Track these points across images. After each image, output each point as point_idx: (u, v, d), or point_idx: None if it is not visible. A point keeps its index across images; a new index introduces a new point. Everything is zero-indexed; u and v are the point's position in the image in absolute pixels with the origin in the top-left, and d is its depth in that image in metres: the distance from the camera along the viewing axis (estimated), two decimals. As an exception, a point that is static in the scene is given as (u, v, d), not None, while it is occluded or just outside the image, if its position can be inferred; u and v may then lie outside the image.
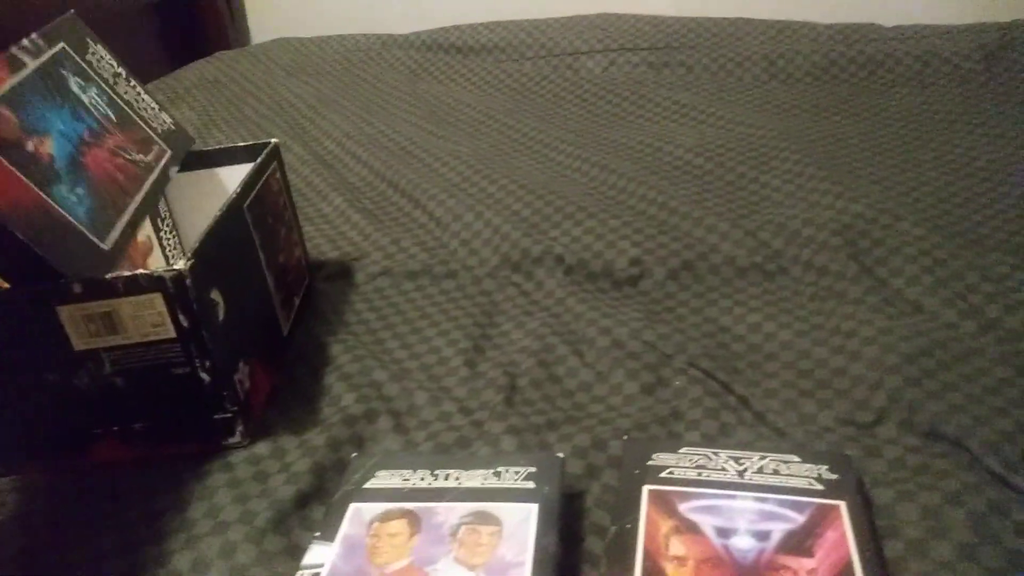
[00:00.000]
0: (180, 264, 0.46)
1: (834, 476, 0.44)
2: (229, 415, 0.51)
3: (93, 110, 0.59)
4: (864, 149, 0.92)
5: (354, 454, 0.51)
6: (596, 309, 0.65)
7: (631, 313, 0.65)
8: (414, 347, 0.64)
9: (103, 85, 0.63)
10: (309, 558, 0.43)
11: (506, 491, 0.45)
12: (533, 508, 0.44)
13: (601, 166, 0.91)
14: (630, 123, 1.08)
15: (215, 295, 0.50)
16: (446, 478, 0.47)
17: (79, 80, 0.60)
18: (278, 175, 0.66)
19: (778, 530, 0.40)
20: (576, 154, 0.96)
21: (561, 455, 0.48)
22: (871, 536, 0.40)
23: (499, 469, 0.47)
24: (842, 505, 0.41)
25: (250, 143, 0.67)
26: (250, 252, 0.58)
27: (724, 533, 0.40)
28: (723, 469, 0.45)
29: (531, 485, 0.45)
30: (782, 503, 0.42)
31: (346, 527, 0.44)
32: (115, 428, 0.51)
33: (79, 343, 0.48)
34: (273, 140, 0.66)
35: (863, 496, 0.44)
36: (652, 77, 1.22)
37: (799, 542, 0.39)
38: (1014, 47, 1.11)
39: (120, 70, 0.67)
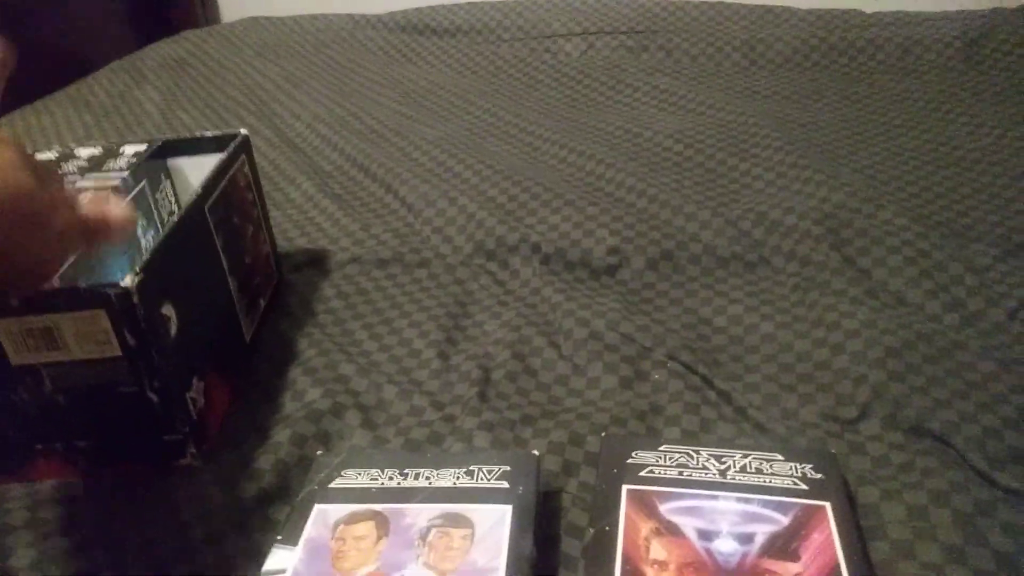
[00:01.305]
0: (127, 280, 0.42)
1: (819, 475, 0.42)
2: (180, 436, 0.48)
3: (144, 254, 0.58)
4: (845, 136, 0.91)
5: (319, 452, 0.48)
6: (573, 300, 0.63)
7: (609, 304, 0.63)
8: (384, 339, 0.62)
9: (159, 225, 0.62)
10: (270, 563, 0.40)
11: (479, 491, 0.43)
12: (507, 510, 0.42)
13: (579, 152, 0.89)
14: (608, 108, 1.06)
15: (167, 309, 0.46)
16: (416, 477, 0.44)
17: (144, 222, 0.60)
18: (246, 169, 0.62)
19: (762, 532, 0.38)
20: (553, 139, 0.94)
21: (536, 453, 0.46)
22: (858, 538, 0.38)
23: (472, 468, 0.45)
24: (827, 506, 0.40)
25: (218, 133, 0.63)
26: (211, 258, 0.55)
27: (706, 536, 0.38)
28: (704, 468, 0.43)
29: (505, 485, 0.43)
30: (766, 504, 0.40)
31: (309, 530, 0.42)
32: (57, 446, 0.48)
33: (16, 358, 0.44)
34: (242, 131, 0.62)
35: (848, 496, 0.42)
36: (631, 61, 1.20)
37: (784, 545, 0.37)
38: (994, 35, 1.10)
39: (175, 207, 0.66)
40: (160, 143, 0.63)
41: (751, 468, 0.43)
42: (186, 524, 0.45)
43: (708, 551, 0.38)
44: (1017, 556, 0.40)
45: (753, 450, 0.44)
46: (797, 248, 0.68)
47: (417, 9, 1.44)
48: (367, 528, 0.42)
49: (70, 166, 0.60)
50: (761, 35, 1.20)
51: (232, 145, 0.60)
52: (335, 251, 0.74)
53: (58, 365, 0.44)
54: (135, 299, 0.42)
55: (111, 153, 0.61)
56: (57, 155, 0.62)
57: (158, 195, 0.62)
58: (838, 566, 0.36)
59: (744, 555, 0.37)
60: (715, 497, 0.41)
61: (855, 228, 0.69)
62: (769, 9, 1.28)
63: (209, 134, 0.64)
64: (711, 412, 0.52)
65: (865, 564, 0.37)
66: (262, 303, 0.63)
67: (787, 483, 0.42)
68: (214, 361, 0.53)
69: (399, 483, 0.44)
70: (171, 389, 0.46)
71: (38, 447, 0.48)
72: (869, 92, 1.04)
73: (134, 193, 0.58)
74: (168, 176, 0.64)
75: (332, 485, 0.44)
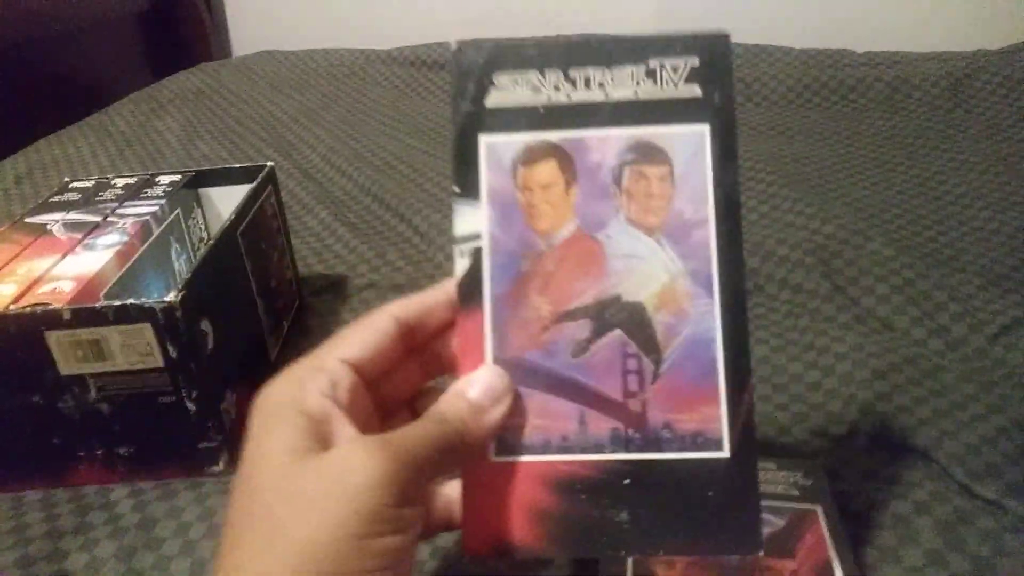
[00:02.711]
0: (171, 296, 0.46)
1: (808, 482, 0.46)
2: (213, 444, 0.51)
3: (178, 277, 0.61)
4: (837, 171, 0.95)
5: (453, 43, 0.36)
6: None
7: (613, 327, 0.67)
8: (401, 358, 0.65)
9: (191, 252, 0.66)
10: (461, 226, 0.34)
11: (668, 106, 0.34)
12: (704, 132, 0.33)
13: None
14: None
15: (205, 325, 0.50)
16: (588, 85, 0.34)
17: (177, 247, 0.63)
18: (272, 199, 0.66)
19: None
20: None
21: (727, 33, 0.35)
22: (847, 539, 0.42)
23: (652, 64, 0.34)
24: (818, 509, 0.43)
25: (246, 165, 0.68)
26: (242, 280, 0.59)
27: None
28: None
29: (697, 91, 0.34)
30: (762, 508, 0.43)
31: (487, 175, 0.34)
32: (99, 452, 0.51)
33: (65, 368, 0.48)
34: (269, 164, 0.67)
35: (836, 503, 0.46)
36: (632, 97, 1.24)
37: (780, 544, 0.41)
38: (978, 76, 1.15)
39: (205, 234, 0.69)
40: (193, 173, 0.68)
41: (747, 478, 0.46)
42: (218, 526, 0.49)
43: (708, 551, 0.41)
44: (992, 559, 0.43)
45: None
46: (790, 276, 0.72)
47: (425, 45, 1.49)
48: (551, 171, 0.34)
49: (107, 194, 0.64)
50: (756, 73, 1.25)
51: (260, 176, 0.64)
52: (352, 277, 0.78)
53: (104, 375, 0.48)
54: (178, 314, 0.46)
55: (148, 183, 0.66)
56: (94, 183, 0.66)
57: (190, 222, 0.66)
58: (829, 562, 0.39)
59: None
60: (714, 503, 0.44)
61: (844, 258, 0.73)
62: (764, 48, 1.33)
63: (238, 166, 0.68)
64: (710, 428, 0.55)
65: (854, 562, 0.40)
66: (285, 324, 0.67)
67: (780, 489, 0.45)
68: (244, 377, 0.56)
69: (568, 95, 0.34)
70: (207, 399, 0.50)
71: (80, 453, 0.51)
72: (859, 128, 1.09)
73: (170, 220, 0.62)
74: (199, 204, 0.68)
75: (489, 103, 0.34)
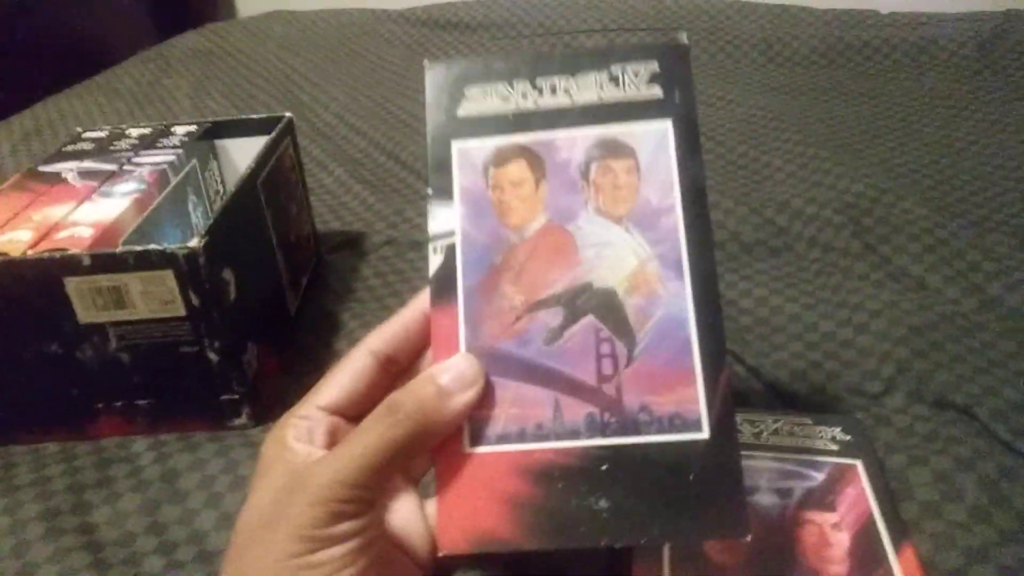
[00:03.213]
0: (193, 241, 0.45)
1: (848, 437, 0.44)
2: (236, 396, 0.50)
3: (194, 229, 0.60)
4: (863, 131, 0.93)
5: (426, 63, 0.38)
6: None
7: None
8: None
9: (208, 204, 0.64)
10: (435, 225, 0.35)
11: (631, 105, 0.36)
12: (667, 127, 0.35)
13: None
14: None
15: (227, 274, 0.49)
16: (554, 92, 0.36)
17: (194, 199, 0.62)
18: (291, 151, 0.65)
19: (799, 487, 0.40)
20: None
21: (685, 39, 0.38)
22: (888, 493, 0.40)
23: (615, 70, 0.36)
24: (859, 464, 0.42)
25: (264, 116, 0.66)
26: (262, 231, 0.57)
27: (747, 491, 0.40)
28: (739, 431, 0.45)
29: (658, 92, 0.36)
30: (800, 462, 0.42)
31: (459, 177, 0.36)
32: (118, 404, 0.50)
33: (85, 316, 0.47)
34: (287, 115, 0.65)
35: (877, 458, 0.44)
36: (650, 58, 1.22)
37: (820, 498, 0.40)
38: (1007, 36, 1.12)
39: (221, 187, 0.68)
40: (209, 124, 0.66)
41: (783, 431, 0.45)
42: (244, 479, 0.48)
43: (750, 505, 0.40)
44: (1040, 517, 0.42)
45: (784, 415, 0.47)
46: (819, 235, 0.70)
47: (437, 4, 1.46)
48: (520, 169, 0.36)
49: (122, 144, 0.62)
50: (779, 34, 1.22)
51: (279, 126, 0.62)
52: (370, 234, 0.76)
53: (124, 324, 0.47)
54: (201, 260, 0.45)
55: (163, 133, 0.64)
56: (108, 133, 0.65)
57: (206, 174, 0.65)
58: (872, 515, 0.38)
59: (784, 507, 0.39)
60: (752, 457, 0.43)
61: (875, 217, 0.71)
62: (786, 8, 1.30)
63: (255, 116, 0.67)
64: (742, 385, 0.54)
65: (896, 515, 0.39)
66: (304, 280, 0.66)
67: (818, 444, 0.44)
68: (265, 330, 0.55)
69: (536, 102, 0.36)
70: (230, 350, 0.49)
71: (99, 405, 0.50)
72: (885, 90, 1.06)
73: (186, 171, 0.61)
74: (215, 156, 0.67)
75: (461, 113, 0.37)
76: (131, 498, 0.47)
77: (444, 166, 0.36)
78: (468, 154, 0.36)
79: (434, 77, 0.37)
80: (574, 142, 0.35)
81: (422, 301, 0.35)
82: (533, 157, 0.35)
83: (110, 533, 0.45)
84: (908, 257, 0.66)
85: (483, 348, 0.33)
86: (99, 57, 1.40)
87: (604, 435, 0.32)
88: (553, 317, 0.33)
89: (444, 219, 0.35)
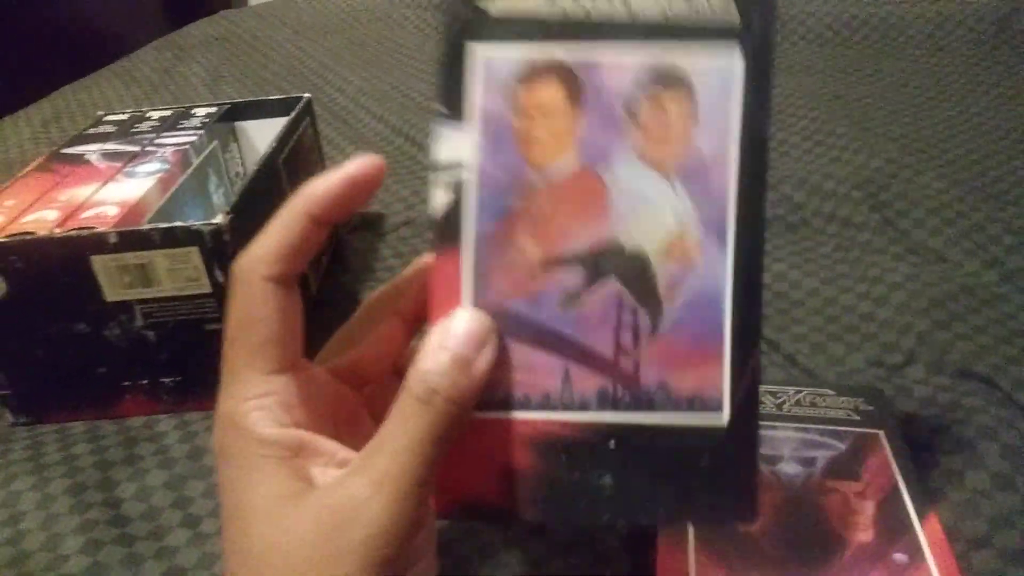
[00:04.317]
0: (219, 218, 0.45)
1: (870, 408, 0.44)
2: None
3: (215, 209, 0.60)
4: (880, 108, 0.92)
5: None
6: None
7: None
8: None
9: (228, 185, 0.64)
10: (443, 152, 0.29)
11: (699, 28, 0.29)
12: (735, 59, 0.29)
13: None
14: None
15: None
16: None
17: (215, 180, 0.62)
18: (311, 131, 0.65)
19: (822, 457, 0.41)
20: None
21: None
22: (911, 461, 0.41)
23: None
24: (881, 433, 0.42)
25: (283, 96, 0.66)
26: None
27: (771, 460, 0.41)
28: (761, 403, 0.45)
29: (734, 15, 0.29)
30: (823, 432, 0.42)
31: (479, 94, 0.29)
32: (144, 382, 0.51)
33: (111, 294, 0.47)
34: (306, 95, 0.65)
35: (899, 427, 0.44)
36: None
37: (844, 467, 0.40)
38: (1026, 11, 1.11)
39: (241, 169, 0.67)
40: (229, 105, 0.66)
41: (805, 402, 0.45)
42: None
43: (774, 473, 0.40)
44: (1063, 484, 0.42)
45: (806, 387, 0.47)
46: (837, 210, 0.70)
47: (450, -12, 1.46)
48: (554, 93, 0.29)
49: (144, 126, 0.63)
50: (793, 11, 1.21)
51: (299, 106, 0.63)
52: (388, 215, 0.77)
53: (150, 301, 0.47)
54: (226, 237, 0.45)
55: (183, 115, 0.64)
56: (128, 116, 0.65)
57: (227, 155, 0.65)
58: (896, 483, 0.38)
59: (808, 476, 0.40)
60: (774, 427, 0.43)
61: (893, 191, 0.71)
62: (800, -14, 1.29)
63: (274, 98, 0.67)
64: (762, 359, 0.54)
65: (920, 483, 0.39)
66: (324, 260, 0.66)
67: (840, 414, 0.44)
68: (288, 308, 0.56)
69: (587, 8, 0.29)
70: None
71: (125, 383, 0.51)
72: (901, 66, 1.05)
73: (207, 152, 0.61)
74: (235, 138, 0.67)
75: (490, 8, 0.29)
76: (157, 474, 0.48)
77: (459, 76, 0.29)
78: (491, 63, 0.29)
79: None
80: (622, 65, 0.29)
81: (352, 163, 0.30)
82: (571, 79, 0.29)
83: (136, 507, 0.46)
84: (927, 231, 0.66)
85: (490, 305, 0.29)
86: (113, 46, 1.41)
87: (615, 410, 0.30)
88: (573, 278, 0.30)
89: (454, 146, 0.29)
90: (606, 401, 0.30)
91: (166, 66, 1.27)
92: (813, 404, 0.45)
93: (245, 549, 0.27)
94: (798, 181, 0.74)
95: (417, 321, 0.33)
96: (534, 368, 0.30)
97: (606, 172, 0.29)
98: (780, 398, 0.46)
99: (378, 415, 0.28)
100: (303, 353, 0.31)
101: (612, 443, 0.30)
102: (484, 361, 0.28)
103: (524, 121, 0.29)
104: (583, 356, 0.30)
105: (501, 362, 0.30)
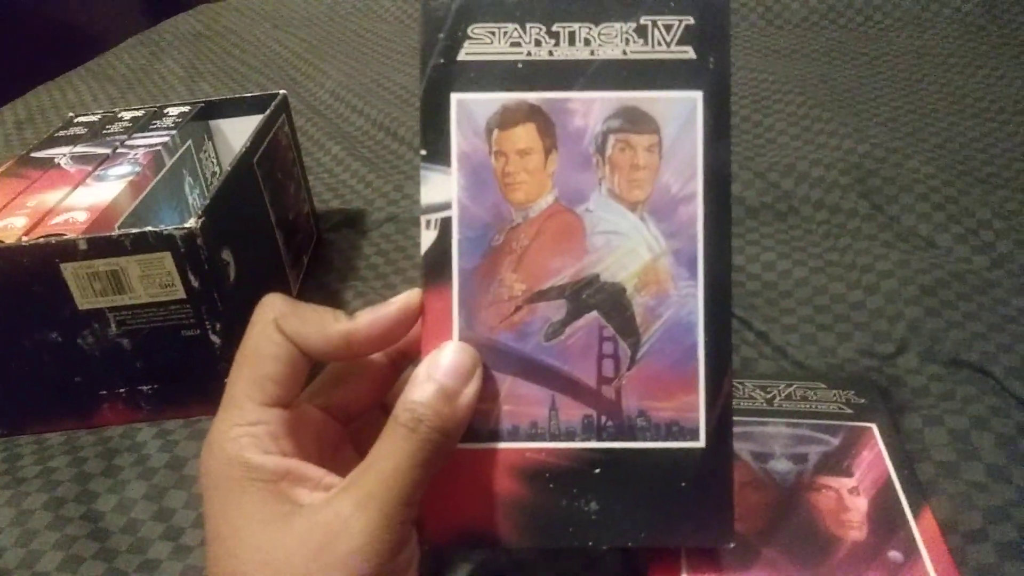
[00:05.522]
0: (191, 222, 0.44)
1: (862, 400, 0.44)
2: None
3: (191, 211, 0.59)
4: (866, 92, 0.91)
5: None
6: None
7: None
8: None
9: (204, 185, 0.63)
10: (429, 194, 0.31)
11: (658, 68, 0.31)
12: (697, 100, 0.31)
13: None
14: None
15: (226, 254, 0.48)
16: (572, 41, 0.31)
17: (190, 180, 0.61)
18: (286, 129, 0.64)
19: (814, 452, 0.40)
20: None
21: None
22: (905, 455, 0.40)
23: (644, 21, 0.31)
24: (874, 427, 0.41)
25: (258, 94, 0.65)
26: (260, 210, 0.56)
27: (761, 457, 0.40)
28: (751, 398, 0.45)
29: (690, 54, 0.31)
30: (815, 427, 0.42)
31: (458, 138, 0.31)
32: (121, 390, 0.50)
33: (83, 302, 0.46)
34: (281, 92, 0.64)
35: (892, 420, 0.44)
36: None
37: (837, 462, 0.39)
38: (1012, -9, 1.10)
39: (217, 168, 0.66)
40: (203, 104, 0.65)
41: (796, 396, 0.44)
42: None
43: (765, 471, 0.39)
44: (1058, 473, 0.41)
45: (796, 380, 0.46)
46: (826, 197, 0.69)
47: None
48: (529, 135, 0.31)
49: (115, 127, 0.61)
50: (777, -5, 1.20)
51: (273, 104, 0.61)
52: (370, 211, 0.75)
53: (124, 309, 0.46)
54: (199, 241, 0.44)
55: (156, 115, 0.63)
56: (100, 117, 0.64)
57: (202, 154, 0.64)
58: (890, 478, 0.38)
59: (800, 473, 0.39)
60: (764, 423, 0.42)
61: (882, 177, 0.70)
62: (784, -31, 1.28)
63: (249, 95, 0.65)
64: (751, 352, 0.54)
65: (914, 477, 0.38)
66: (304, 260, 0.65)
67: (832, 408, 0.43)
68: (267, 311, 0.54)
69: (551, 52, 0.31)
70: (233, 332, 0.48)
71: (102, 392, 0.50)
72: (888, 49, 1.04)
73: (180, 152, 0.60)
74: (210, 137, 0.66)
75: (463, 56, 0.31)
76: (137, 486, 0.47)
77: (440, 123, 0.31)
78: (469, 110, 0.31)
79: (432, 9, 0.31)
80: (591, 107, 0.31)
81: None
82: (545, 121, 0.31)
83: (116, 520, 0.45)
84: (916, 216, 0.65)
85: (478, 339, 0.31)
86: (90, 43, 1.38)
87: (600, 439, 0.31)
88: (555, 311, 0.31)
89: (439, 188, 0.31)
90: (591, 429, 0.31)
91: (142, 63, 1.25)
92: (804, 398, 0.44)
93: (231, 570, 0.27)
94: (785, 168, 0.73)
95: (404, 359, 0.34)
96: (522, 399, 0.31)
97: (581, 209, 0.31)
98: (770, 392, 0.45)
99: (363, 450, 0.29)
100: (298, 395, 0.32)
101: (597, 470, 0.31)
102: (470, 392, 0.29)
103: (502, 162, 0.31)
104: (568, 386, 0.31)
105: (491, 394, 0.31)
